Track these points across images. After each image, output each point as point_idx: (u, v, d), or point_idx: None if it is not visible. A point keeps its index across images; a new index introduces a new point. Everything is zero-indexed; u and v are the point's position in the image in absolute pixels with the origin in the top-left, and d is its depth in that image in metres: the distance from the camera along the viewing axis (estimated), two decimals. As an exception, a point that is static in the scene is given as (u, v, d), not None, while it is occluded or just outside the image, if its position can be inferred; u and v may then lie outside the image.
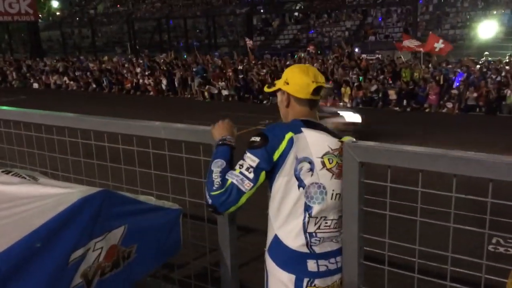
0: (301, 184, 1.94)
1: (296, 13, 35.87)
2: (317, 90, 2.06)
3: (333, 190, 1.97)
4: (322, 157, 1.95)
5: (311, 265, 2.01)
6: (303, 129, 1.99)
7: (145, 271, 2.46)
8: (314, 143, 1.96)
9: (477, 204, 1.67)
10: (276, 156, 1.92)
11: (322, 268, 2.03)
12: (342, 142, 1.96)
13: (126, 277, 2.19)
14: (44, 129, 3.04)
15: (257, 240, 2.13)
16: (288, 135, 1.94)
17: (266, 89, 2.26)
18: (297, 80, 2.06)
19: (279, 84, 2.14)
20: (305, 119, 2.06)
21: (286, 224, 2.00)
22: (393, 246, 2.01)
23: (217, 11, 36.04)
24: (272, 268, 2.07)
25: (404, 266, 2.02)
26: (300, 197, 1.95)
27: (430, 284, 1.92)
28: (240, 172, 1.92)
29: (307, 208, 1.96)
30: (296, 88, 2.06)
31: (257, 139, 1.95)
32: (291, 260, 2.02)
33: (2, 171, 2.40)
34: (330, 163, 1.95)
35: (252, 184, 1.91)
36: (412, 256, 1.92)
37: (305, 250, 2.01)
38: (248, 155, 1.93)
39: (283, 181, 1.95)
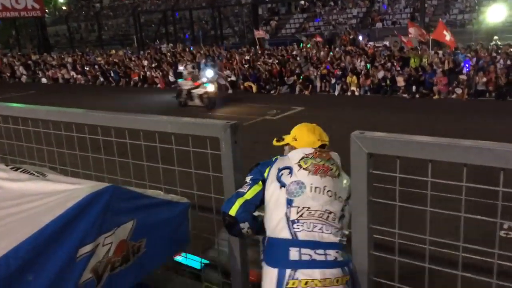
0: (282, 185, 2.16)
1: (302, 2, 35.51)
2: (321, 147, 2.32)
3: (311, 184, 2.13)
4: (298, 162, 2.20)
5: (293, 253, 2.02)
6: (289, 154, 2.30)
7: (154, 265, 2.47)
8: (293, 155, 2.26)
9: (489, 190, 1.65)
10: (266, 172, 2.25)
11: (305, 257, 2.00)
12: (315, 148, 2.26)
13: (136, 271, 2.20)
14: (51, 125, 3.05)
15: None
16: (275, 157, 2.31)
17: (275, 143, 2.47)
18: (305, 138, 2.34)
19: (287, 139, 2.41)
20: None
21: (272, 219, 2.14)
22: (404, 234, 1.99)
23: (223, 2, 35.82)
24: (264, 268, 2.12)
25: (415, 254, 2.01)
26: (282, 194, 2.14)
27: (442, 271, 1.91)
28: (240, 186, 2.31)
29: (289, 202, 2.12)
30: (303, 145, 2.32)
31: (252, 166, 2.34)
32: (276, 252, 2.08)
33: (11, 168, 2.41)
34: (305, 164, 2.19)
35: (248, 187, 2.23)
36: (423, 243, 1.91)
37: (287, 235, 2.05)
38: (247, 178, 2.31)
39: (269, 187, 2.19)
